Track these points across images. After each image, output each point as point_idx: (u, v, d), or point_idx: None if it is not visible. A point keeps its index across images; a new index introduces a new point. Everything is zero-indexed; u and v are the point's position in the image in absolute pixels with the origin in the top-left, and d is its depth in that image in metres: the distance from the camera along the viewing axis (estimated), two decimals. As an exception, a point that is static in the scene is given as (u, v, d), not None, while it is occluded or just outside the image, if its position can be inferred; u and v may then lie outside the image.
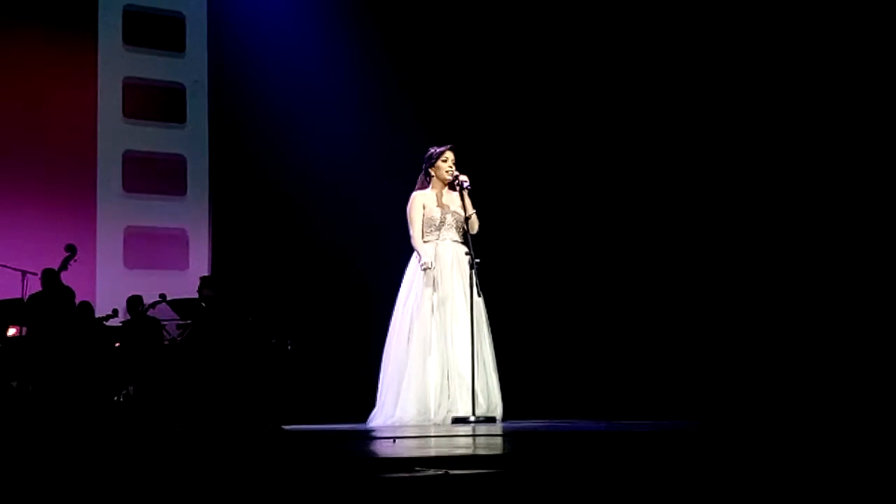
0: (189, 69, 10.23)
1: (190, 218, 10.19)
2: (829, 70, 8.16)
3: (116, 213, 9.89)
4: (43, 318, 7.86)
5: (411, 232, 7.25)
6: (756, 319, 8.35)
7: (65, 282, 8.25)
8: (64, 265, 8.25)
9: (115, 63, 10.04)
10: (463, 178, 7.15)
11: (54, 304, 7.98)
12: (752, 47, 8.57)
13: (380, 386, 7.19)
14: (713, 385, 8.24)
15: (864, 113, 7.98)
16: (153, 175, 10.14)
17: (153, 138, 10.17)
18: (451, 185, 7.22)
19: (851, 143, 8.05)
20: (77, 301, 8.35)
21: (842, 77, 8.10)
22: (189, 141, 10.25)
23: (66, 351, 7.60)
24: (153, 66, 10.17)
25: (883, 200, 7.87)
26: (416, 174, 7.41)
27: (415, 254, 7.29)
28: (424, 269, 7.08)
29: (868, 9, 7.95)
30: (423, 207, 7.22)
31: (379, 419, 7.06)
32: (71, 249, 8.33)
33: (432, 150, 7.31)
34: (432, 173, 7.28)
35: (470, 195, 7.23)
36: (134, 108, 10.08)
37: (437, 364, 7.02)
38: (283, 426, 6.58)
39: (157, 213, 10.09)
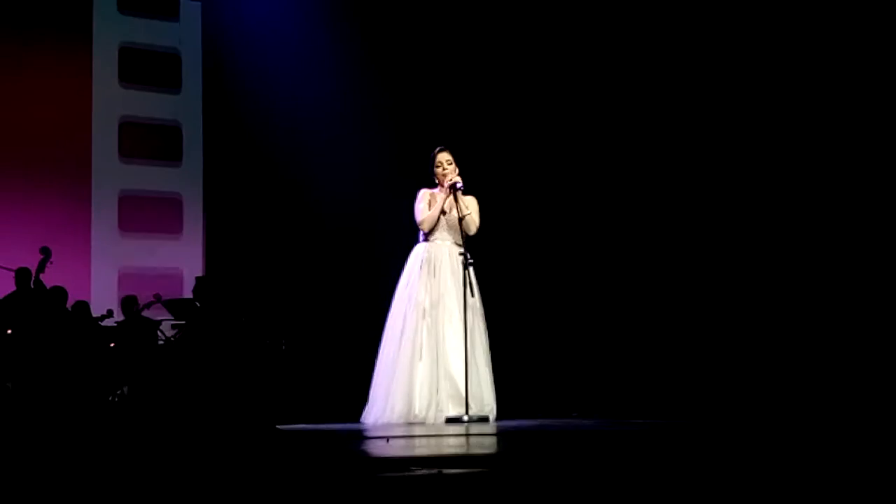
0: (185, 106, 10.20)
1: (186, 254, 10.19)
2: (828, 70, 8.17)
3: (112, 252, 9.89)
4: (19, 318, 7.81)
5: (418, 218, 7.32)
6: (751, 318, 8.36)
7: (56, 281, 8.22)
8: (41, 267, 8.21)
9: (111, 96, 10.00)
10: (456, 179, 7.23)
11: (30, 304, 7.94)
12: (752, 47, 8.57)
13: (372, 382, 7.30)
14: (708, 384, 8.25)
15: (864, 113, 7.98)
16: (149, 211, 10.13)
17: (149, 174, 10.16)
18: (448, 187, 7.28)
19: (848, 145, 8.05)
20: (72, 300, 8.31)
21: (842, 77, 8.11)
22: (184, 176, 10.23)
23: (48, 350, 7.56)
24: (148, 104, 10.13)
25: (879, 202, 7.89)
26: (414, 178, 7.54)
27: (412, 251, 7.36)
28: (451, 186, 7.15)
29: (868, 9, 7.94)
30: (427, 202, 7.33)
31: (370, 416, 7.19)
32: (45, 252, 8.29)
33: (431, 153, 7.39)
34: (435, 174, 7.41)
35: (465, 195, 7.29)
36: (130, 147, 10.06)
37: (427, 363, 7.08)
38: (278, 426, 6.59)
39: (152, 248, 10.08)
